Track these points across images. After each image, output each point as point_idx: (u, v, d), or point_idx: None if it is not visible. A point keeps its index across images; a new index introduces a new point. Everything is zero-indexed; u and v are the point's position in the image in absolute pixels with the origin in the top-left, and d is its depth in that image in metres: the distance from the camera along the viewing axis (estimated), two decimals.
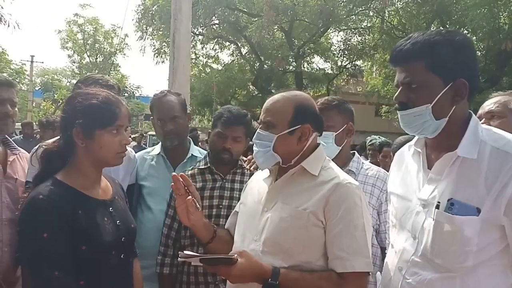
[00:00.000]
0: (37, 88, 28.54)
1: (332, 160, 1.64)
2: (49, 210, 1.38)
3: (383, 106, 16.86)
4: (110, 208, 1.57)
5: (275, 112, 1.53)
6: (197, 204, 1.58)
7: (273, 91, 17.09)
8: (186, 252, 1.44)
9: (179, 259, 1.44)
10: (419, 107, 1.32)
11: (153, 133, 18.24)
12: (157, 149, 2.50)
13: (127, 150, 1.62)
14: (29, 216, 1.39)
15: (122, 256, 1.55)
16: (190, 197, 1.56)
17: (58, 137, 1.63)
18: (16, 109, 2.07)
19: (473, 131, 1.32)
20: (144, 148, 4.85)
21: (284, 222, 1.47)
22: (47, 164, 1.52)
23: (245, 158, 2.34)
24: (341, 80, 18.61)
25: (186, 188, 1.57)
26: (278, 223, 1.48)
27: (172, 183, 1.56)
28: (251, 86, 18.88)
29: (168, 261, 2.16)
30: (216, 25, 17.15)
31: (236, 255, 1.39)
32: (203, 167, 2.19)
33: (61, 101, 25.17)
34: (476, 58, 1.40)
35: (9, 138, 2.16)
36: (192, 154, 2.44)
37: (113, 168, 1.97)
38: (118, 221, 1.57)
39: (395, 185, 1.57)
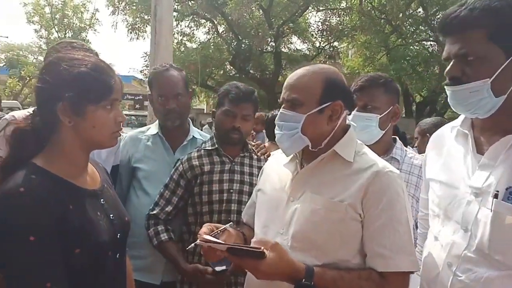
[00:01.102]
0: (1, 65, 27.16)
1: (373, 145, 1.46)
2: (35, 205, 1.08)
3: None
4: (102, 200, 1.30)
5: (301, 89, 1.34)
6: (228, 228, 1.42)
7: (251, 71, 16.85)
8: (206, 236, 1.23)
9: (197, 242, 1.24)
10: (476, 82, 1.16)
11: (127, 112, 17.58)
12: (153, 128, 2.25)
13: (122, 129, 1.34)
14: (8, 214, 1.07)
15: (117, 256, 1.30)
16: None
17: (29, 112, 1.30)
18: None
19: None
20: None
21: (316, 215, 1.29)
22: (19, 147, 1.19)
23: (253, 143, 2.16)
24: (319, 62, 18.44)
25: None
26: (309, 216, 1.30)
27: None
28: (228, 66, 18.44)
29: (162, 228, 1.97)
30: (192, 1, 16.55)
31: (263, 248, 1.18)
32: (210, 148, 2.02)
33: (28, 78, 24.02)
34: None
35: None
36: (193, 136, 2.22)
37: None
38: (111, 215, 1.30)
39: (436, 171, 1.40)
